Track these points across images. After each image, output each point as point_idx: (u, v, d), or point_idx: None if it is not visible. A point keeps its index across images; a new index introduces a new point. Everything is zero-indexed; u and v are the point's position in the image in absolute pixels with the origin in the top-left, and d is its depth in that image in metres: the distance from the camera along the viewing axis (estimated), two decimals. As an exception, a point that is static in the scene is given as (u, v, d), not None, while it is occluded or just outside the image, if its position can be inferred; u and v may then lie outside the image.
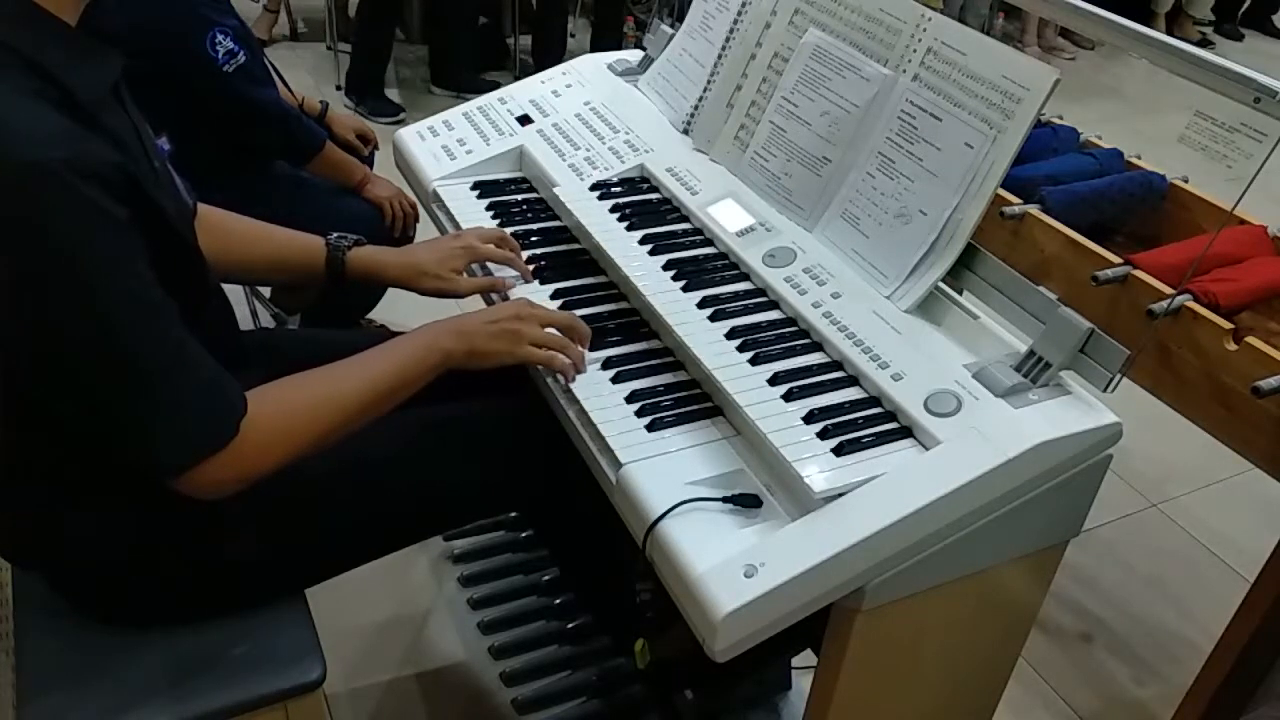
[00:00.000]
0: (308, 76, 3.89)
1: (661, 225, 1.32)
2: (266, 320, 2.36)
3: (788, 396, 1.05)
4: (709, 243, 1.30)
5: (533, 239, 1.38)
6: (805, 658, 1.35)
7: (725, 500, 0.97)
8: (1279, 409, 1.29)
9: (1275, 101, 1.05)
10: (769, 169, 1.33)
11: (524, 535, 1.92)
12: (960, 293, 1.17)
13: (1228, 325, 1.35)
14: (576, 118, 1.55)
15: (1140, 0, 5.26)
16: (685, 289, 1.20)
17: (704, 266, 1.25)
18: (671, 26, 1.61)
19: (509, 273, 1.30)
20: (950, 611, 1.08)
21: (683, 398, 1.10)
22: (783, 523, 0.95)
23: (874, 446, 0.99)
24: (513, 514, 1.90)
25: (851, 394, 1.07)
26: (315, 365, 1.02)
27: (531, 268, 1.31)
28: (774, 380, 1.07)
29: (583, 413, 1.08)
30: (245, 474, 0.94)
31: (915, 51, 1.19)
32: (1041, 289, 1.09)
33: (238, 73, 1.79)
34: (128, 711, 1.01)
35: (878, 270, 1.18)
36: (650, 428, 1.05)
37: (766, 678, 1.61)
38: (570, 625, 1.74)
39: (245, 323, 2.28)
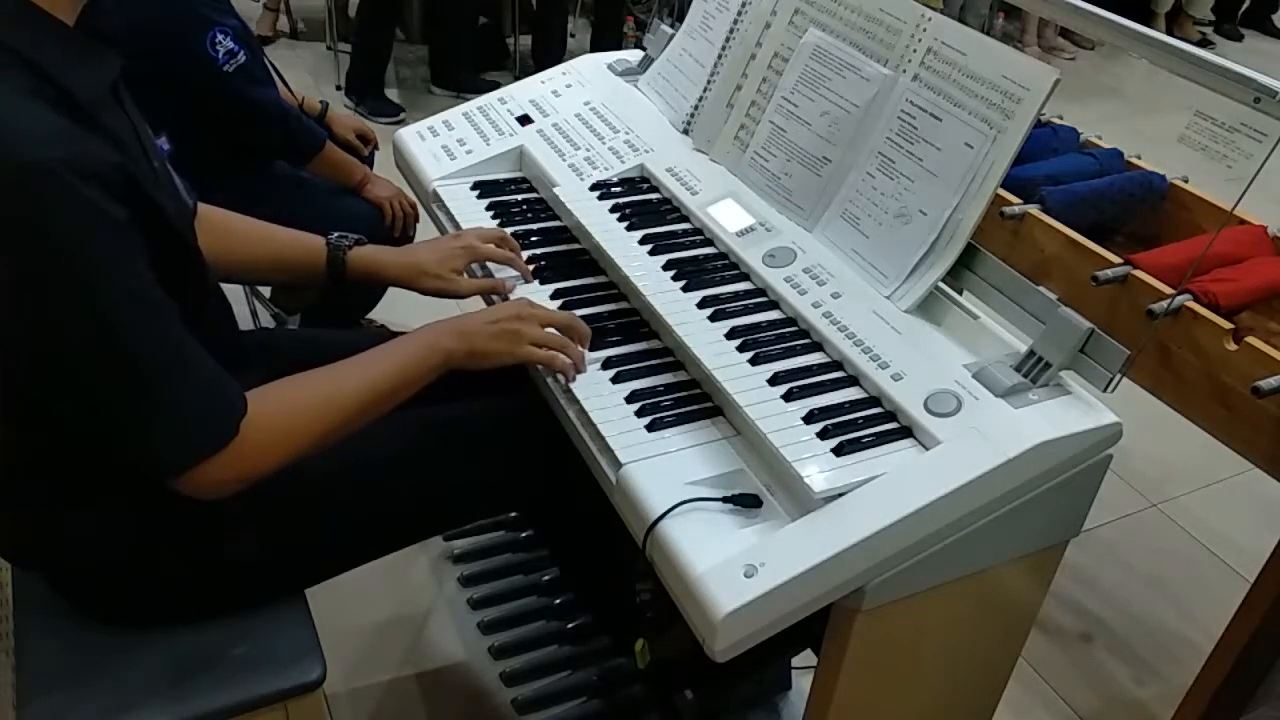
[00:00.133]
0: (308, 76, 3.89)
1: (661, 225, 1.32)
2: (266, 320, 2.36)
3: (788, 396, 1.05)
4: (709, 243, 1.30)
5: (533, 239, 1.38)
6: (805, 658, 1.35)
7: (725, 500, 0.97)
8: (1279, 409, 1.29)
9: (1275, 101, 1.05)
10: (769, 169, 1.33)
11: (524, 535, 1.92)
12: (960, 293, 1.17)
13: (1228, 325, 1.35)
14: (576, 118, 1.55)
15: (1140, 0, 5.26)
16: (685, 289, 1.20)
17: (704, 266, 1.25)
18: (671, 26, 1.61)
19: (509, 273, 1.30)
20: (950, 611, 1.08)
21: (683, 398, 1.10)
22: (783, 523, 0.95)
23: (874, 446, 0.99)
24: (513, 514, 1.90)
25: (851, 394, 1.07)
26: (315, 365, 1.02)
27: (531, 268, 1.31)
28: (774, 380, 1.07)
29: (583, 413, 1.08)
30: (245, 474, 0.94)
31: (915, 51, 1.19)
32: (1041, 289, 1.09)
33: (238, 72, 1.79)
34: (128, 711, 1.01)
35: (878, 270, 1.18)
36: (650, 428, 1.05)
37: (766, 678, 1.61)
38: (570, 625, 1.74)
39: (245, 323, 2.28)
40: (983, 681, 1.26)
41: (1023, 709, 1.76)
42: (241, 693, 1.05)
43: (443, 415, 1.20)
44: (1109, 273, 1.45)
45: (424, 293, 1.27)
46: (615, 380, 1.12)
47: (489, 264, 1.31)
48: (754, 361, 1.09)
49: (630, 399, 1.09)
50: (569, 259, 1.35)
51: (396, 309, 2.23)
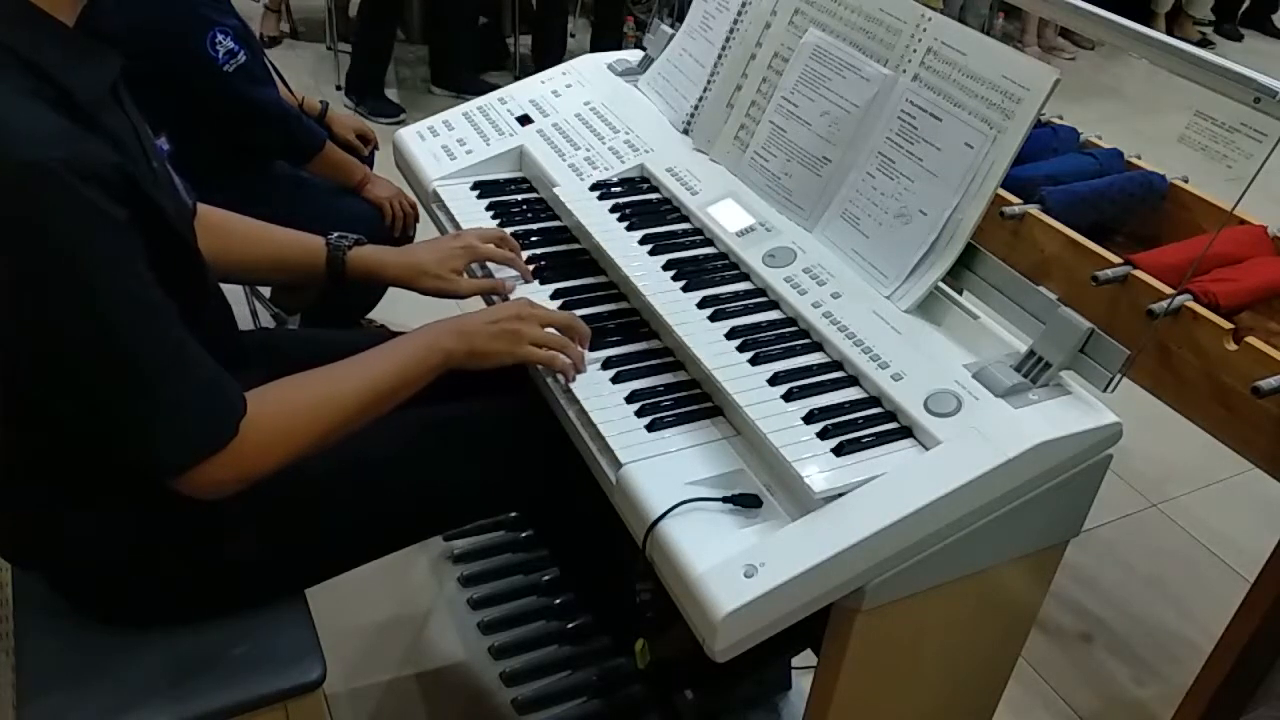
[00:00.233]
0: (308, 76, 3.89)
1: (661, 225, 1.32)
2: (266, 320, 2.36)
3: (788, 396, 1.05)
4: (709, 243, 1.30)
5: (533, 239, 1.38)
6: (805, 658, 1.35)
7: (725, 500, 0.97)
8: (1279, 409, 1.29)
9: (1275, 101, 1.05)
10: (769, 169, 1.33)
11: (524, 535, 1.92)
12: (960, 293, 1.17)
13: (1228, 325, 1.35)
14: (576, 118, 1.55)
15: (1140, 0, 5.26)
16: (685, 289, 1.20)
17: (704, 266, 1.25)
18: (671, 26, 1.61)
19: (509, 273, 1.30)
20: (950, 611, 1.08)
21: (683, 398, 1.10)
22: (783, 523, 0.95)
23: (874, 446, 0.99)
24: (513, 514, 1.90)
25: (851, 394, 1.07)
26: (315, 365, 1.02)
27: (531, 268, 1.31)
28: (774, 380, 1.07)
29: (583, 413, 1.08)
30: (245, 474, 0.94)
31: (915, 51, 1.19)
32: (1041, 289, 1.09)
33: (238, 72, 1.79)
34: (128, 711, 1.01)
35: (878, 270, 1.18)
36: (650, 428, 1.05)
37: (766, 678, 1.61)
38: (570, 625, 1.74)
39: (245, 323, 2.28)
40: (983, 681, 1.26)
41: (1023, 709, 1.76)
42: (241, 693, 1.05)
43: (443, 415, 1.20)
44: (1109, 273, 1.45)
45: (424, 293, 1.27)
46: (615, 380, 1.12)
47: (489, 264, 1.31)
48: (754, 361, 1.09)
49: (630, 399, 1.09)
50: (569, 259, 1.35)
51: (396, 309, 2.23)
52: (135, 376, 0.86)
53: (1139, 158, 1.82)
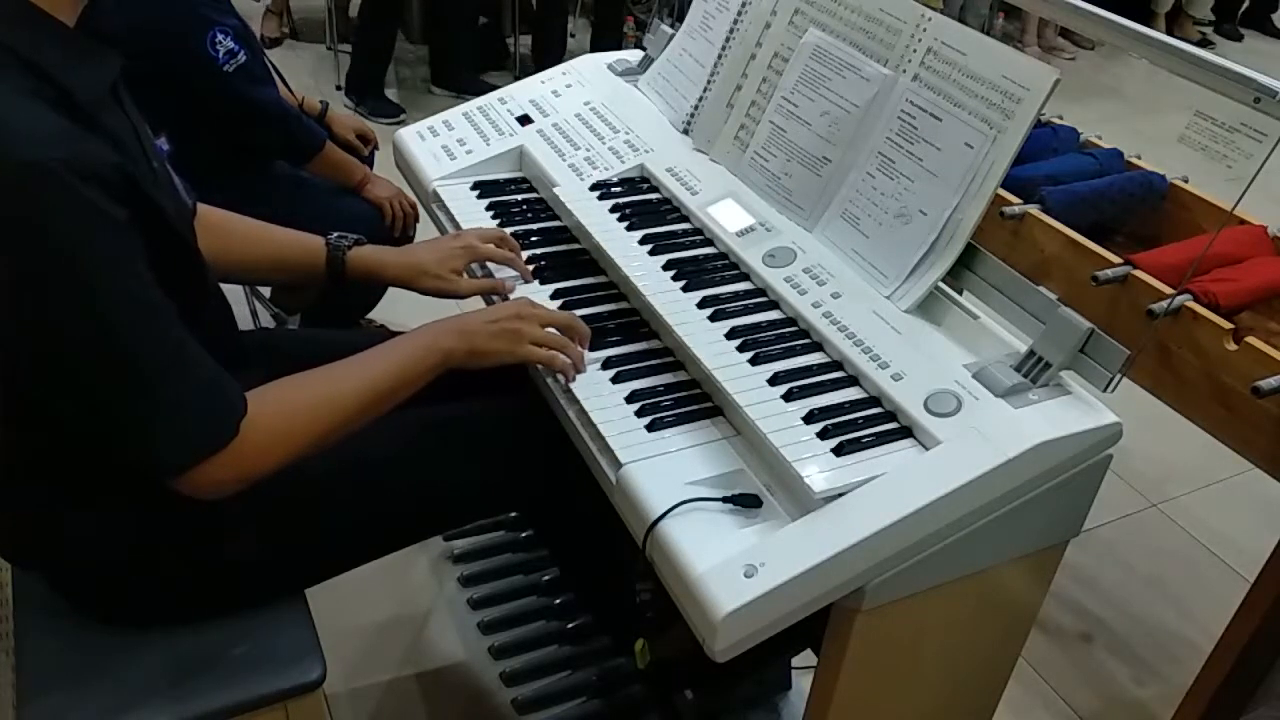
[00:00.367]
0: (308, 76, 3.89)
1: (661, 225, 1.32)
2: (266, 320, 2.36)
3: (788, 396, 1.05)
4: (709, 243, 1.30)
5: (533, 239, 1.38)
6: (805, 658, 1.35)
7: (725, 500, 0.97)
8: (1279, 409, 1.29)
9: (1275, 101, 1.05)
10: (769, 169, 1.33)
11: (524, 535, 1.92)
12: (960, 293, 1.17)
13: (1228, 325, 1.35)
14: (576, 118, 1.55)
15: (1140, 0, 5.26)
16: (685, 289, 1.20)
17: (704, 266, 1.25)
18: (671, 26, 1.61)
19: (509, 273, 1.30)
20: (950, 611, 1.08)
21: (683, 398, 1.10)
22: (783, 523, 0.95)
23: (874, 446, 0.99)
24: (513, 514, 1.90)
25: (851, 394, 1.07)
26: (315, 365, 1.02)
27: (531, 268, 1.31)
28: (774, 380, 1.07)
29: (583, 413, 1.08)
30: (245, 474, 0.94)
31: (915, 51, 1.19)
32: (1041, 289, 1.09)
33: (238, 72, 1.79)
34: (128, 711, 1.01)
35: (878, 270, 1.18)
36: (650, 428, 1.05)
37: (766, 678, 1.61)
38: (570, 625, 1.74)
39: (245, 323, 2.28)
40: (983, 681, 1.26)
41: (1023, 709, 1.76)
42: (241, 693, 1.05)
43: (443, 415, 1.20)
44: (1109, 273, 1.45)
45: (424, 293, 1.27)
46: (615, 380, 1.12)
47: (489, 264, 1.31)
48: (754, 361, 1.09)
49: (630, 399, 1.09)
50: (569, 259, 1.35)
51: (396, 309, 2.23)
52: (135, 376, 0.86)
53: (1139, 158, 1.82)
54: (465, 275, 1.28)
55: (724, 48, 1.46)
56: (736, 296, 1.20)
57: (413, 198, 1.93)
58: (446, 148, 1.55)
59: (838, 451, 0.98)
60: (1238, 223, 1.63)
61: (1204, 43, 5.55)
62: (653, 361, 1.16)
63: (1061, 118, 1.95)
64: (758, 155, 1.35)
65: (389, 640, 1.75)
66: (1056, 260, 1.56)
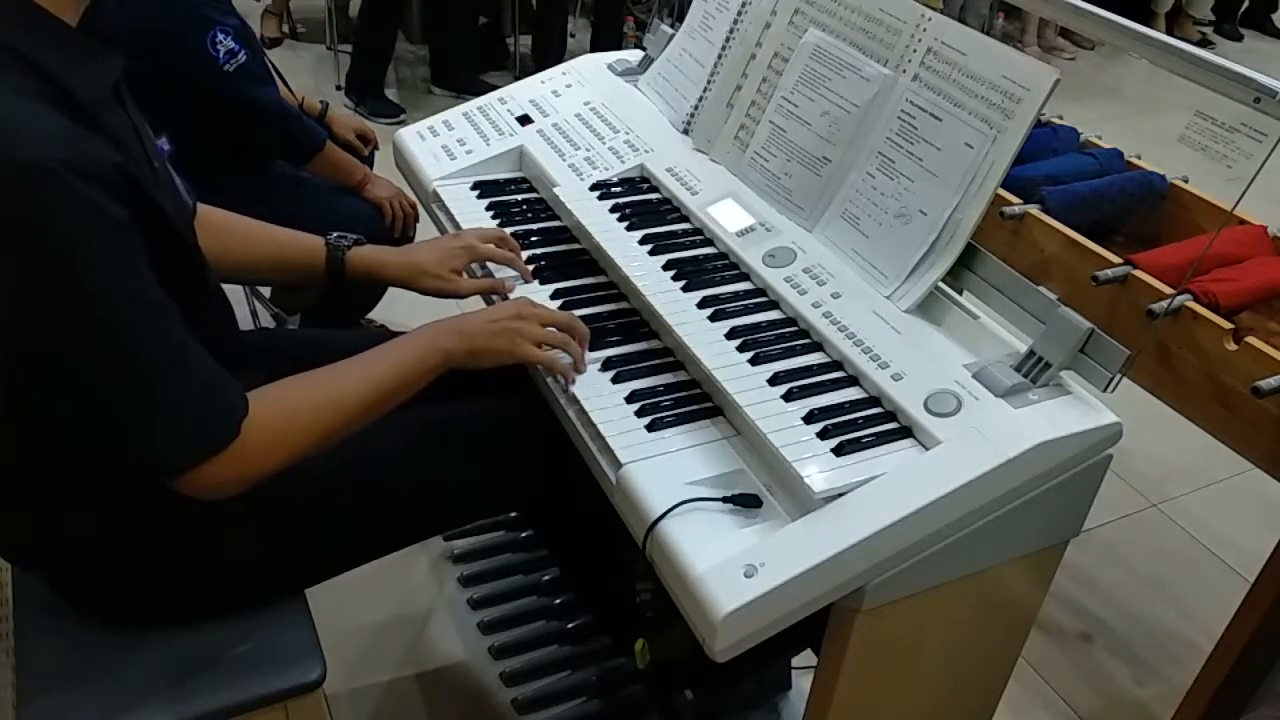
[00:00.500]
0: (308, 76, 3.89)
1: (661, 225, 1.33)
2: (266, 320, 2.36)
3: (788, 396, 1.05)
4: (709, 243, 1.30)
5: (533, 239, 1.38)
6: (805, 658, 1.35)
7: (725, 500, 0.97)
8: (1279, 409, 1.29)
9: (1275, 101, 1.05)
10: (769, 169, 1.33)
11: (524, 535, 1.92)
12: (960, 293, 1.17)
13: (1228, 325, 1.35)
14: (576, 118, 1.55)
15: (1140, 0, 5.26)
16: (685, 289, 1.20)
17: (704, 266, 1.25)
18: (671, 26, 1.61)
19: (509, 273, 1.30)
20: (950, 611, 1.08)
21: (683, 398, 1.10)
22: (783, 523, 0.95)
23: (874, 446, 0.99)
24: (513, 514, 1.90)
25: (851, 394, 1.07)
26: (315, 365, 1.02)
27: (531, 268, 1.31)
28: (774, 380, 1.07)
29: (583, 413, 1.08)
30: (246, 475, 0.94)
31: (915, 51, 1.19)
32: (1041, 289, 1.09)
33: (238, 72, 1.79)
34: (128, 711, 1.01)
35: (878, 270, 1.18)
36: (650, 428, 1.05)
37: (766, 678, 1.61)
38: (570, 625, 1.74)
39: (245, 323, 2.28)
40: (983, 681, 1.26)
41: (1023, 709, 1.76)
42: (241, 693, 1.05)
43: (443, 415, 1.20)
44: (1109, 273, 1.45)
45: (424, 292, 1.27)
46: (615, 380, 1.12)
47: (489, 264, 1.31)
48: (754, 361, 1.09)
49: (630, 399, 1.09)
50: (569, 259, 1.35)
51: (396, 309, 2.23)
52: (136, 376, 0.86)
53: (1139, 158, 1.82)
54: (465, 275, 1.28)
55: (724, 48, 1.46)
56: (736, 296, 1.20)
57: (413, 198, 1.93)
58: (446, 148, 1.55)
59: (838, 451, 0.98)
60: (1238, 223, 1.63)
61: (1204, 43, 5.55)
62: (653, 361, 1.16)
63: (1061, 118, 1.95)
64: (758, 155, 1.35)
65: (389, 640, 1.75)
66: (1056, 260, 1.56)
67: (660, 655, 1.31)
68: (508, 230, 1.36)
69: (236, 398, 0.93)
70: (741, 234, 1.27)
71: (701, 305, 1.18)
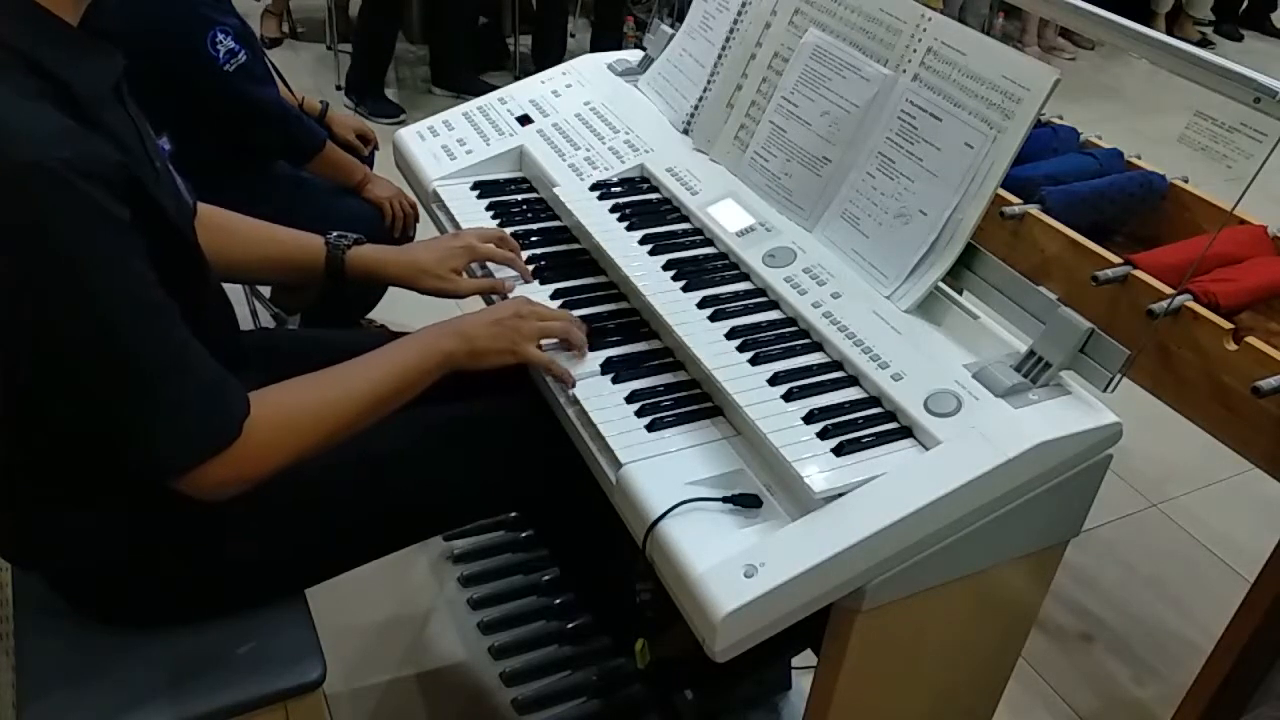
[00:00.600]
0: (308, 76, 3.89)
1: (661, 225, 1.33)
2: (266, 320, 2.36)
3: (788, 396, 1.05)
4: (709, 243, 1.30)
5: (533, 239, 1.38)
6: (805, 658, 1.35)
7: (725, 500, 0.97)
8: (1279, 409, 1.29)
9: (1275, 101, 1.05)
10: (769, 169, 1.33)
11: (524, 535, 1.92)
12: (960, 293, 1.17)
13: (1228, 325, 1.35)
14: (576, 118, 1.55)
15: (1140, 0, 5.26)
16: (685, 289, 1.20)
17: (704, 266, 1.25)
18: (671, 26, 1.61)
19: (509, 273, 1.30)
20: (950, 611, 1.08)
21: (683, 398, 1.10)
22: (783, 523, 0.95)
23: (874, 446, 0.99)
24: (513, 514, 1.90)
25: (851, 394, 1.07)
26: (315, 366, 1.02)
27: (531, 268, 1.31)
28: (774, 380, 1.07)
29: (583, 413, 1.08)
30: (248, 475, 0.94)
31: (915, 51, 1.19)
32: (1041, 289, 1.09)
33: (238, 72, 1.79)
34: (128, 711, 1.01)
35: (878, 270, 1.18)
36: (650, 428, 1.05)
37: (766, 678, 1.61)
38: (570, 625, 1.74)
39: (245, 323, 2.28)
40: (983, 681, 1.26)
41: (1023, 709, 1.76)
42: (241, 693, 1.05)
43: (443, 415, 1.20)
44: (1109, 273, 1.45)
45: (423, 292, 1.27)
46: (615, 380, 1.12)
47: (488, 264, 1.31)
48: (754, 361, 1.09)
49: (630, 399, 1.09)
50: (569, 259, 1.35)
51: (396, 309, 2.23)
52: (137, 376, 0.86)
53: (1139, 158, 1.82)
54: (465, 275, 1.28)
55: (724, 48, 1.46)
56: (736, 296, 1.20)
57: (413, 198, 1.93)
58: (446, 148, 1.55)
59: (838, 451, 0.98)
60: (1238, 223, 1.63)
61: (1204, 43, 5.55)
62: (653, 361, 1.16)
63: (1061, 118, 1.95)
64: (758, 155, 1.35)
65: (389, 640, 1.75)
66: (1056, 260, 1.56)
67: (660, 655, 1.31)
68: (508, 230, 1.36)
69: (238, 398, 0.93)
70: (741, 234, 1.27)
71: (701, 305, 1.18)
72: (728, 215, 1.30)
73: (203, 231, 1.10)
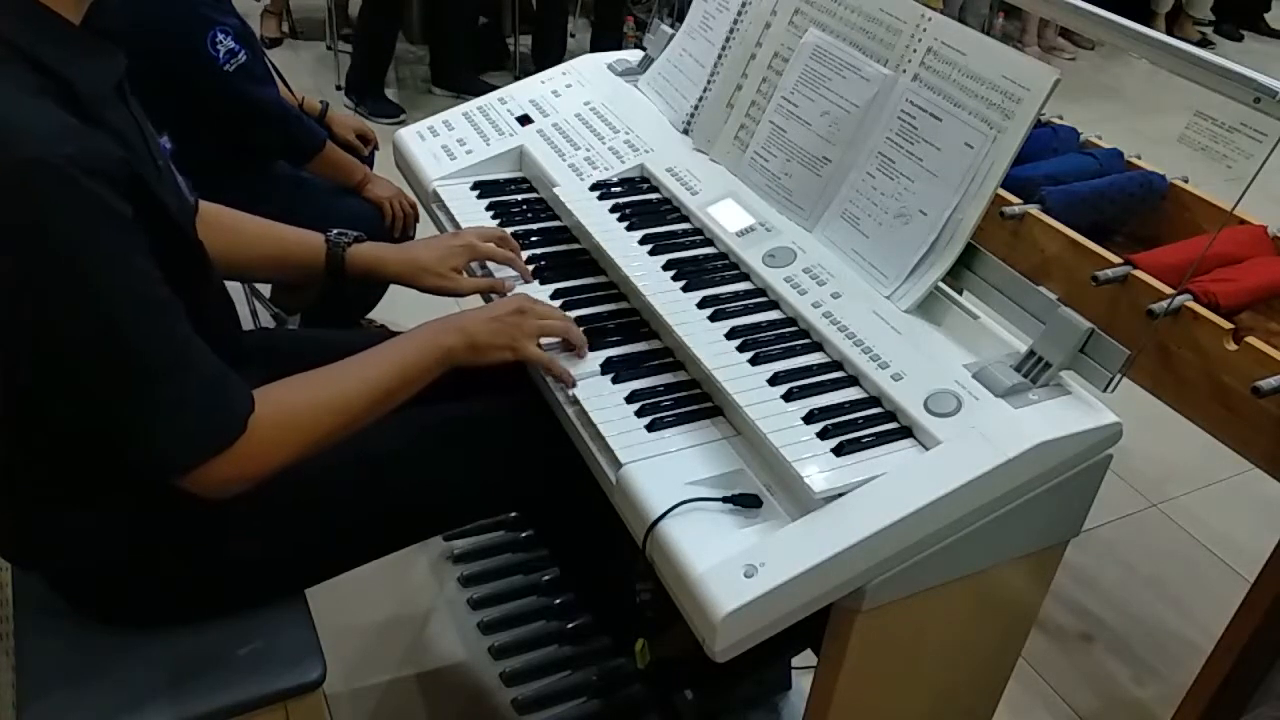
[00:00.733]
0: (308, 76, 3.89)
1: (661, 225, 1.33)
2: (266, 320, 2.36)
3: (788, 396, 1.05)
4: (709, 243, 1.30)
5: (533, 239, 1.38)
6: (805, 658, 1.35)
7: (725, 500, 0.97)
8: (1279, 409, 1.29)
9: (1275, 101, 1.05)
10: (769, 169, 1.33)
11: (524, 535, 1.92)
12: (960, 293, 1.17)
13: (1228, 325, 1.35)
14: (576, 118, 1.55)
15: (1140, 0, 5.26)
16: (685, 289, 1.20)
17: (704, 266, 1.25)
18: (671, 26, 1.61)
19: (509, 273, 1.30)
20: (950, 611, 1.08)
21: (683, 398, 1.10)
22: (783, 523, 0.95)
23: (874, 446, 0.99)
24: (513, 514, 1.90)
25: (851, 394, 1.07)
26: (315, 365, 1.02)
27: (531, 268, 1.31)
28: (774, 380, 1.07)
29: (583, 413, 1.08)
30: (250, 473, 0.93)
31: (915, 51, 1.19)
32: (1041, 289, 1.09)
33: (238, 72, 1.79)
34: (128, 711, 1.01)
35: (878, 270, 1.18)
36: (650, 428, 1.05)
37: (766, 678, 1.61)
38: (570, 625, 1.74)
39: (245, 323, 2.27)
40: (983, 681, 1.26)
41: (1023, 709, 1.76)
42: (241, 693, 1.05)
43: (443, 415, 1.20)
44: (1109, 273, 1.45)
45: (423, 290, 1.27)
46: (615, 380, 1.12)
47: (488, 263, 1.31)
48: (754, 361, 1.09)
49: (630, 399, 1.09)
50: (569, 259, 1.35)
51: (396, 309, 2.23)
52: (140, 374, 0.86)
53: (1139, 158, 1.82)
54: (465, 274, 1.28)
55: (724, 48, 1.46)
56: (736, 296, 1.20)
57: (413, 198, 1.93)
58: (446, 148, 1.55)
59: (838, 451, 0.98)
60: (1238, 223, 1.63)
61: (1204, 43, 5.55)
62: (653, 361, 1.16)
63: (1061, 118, 1.95)
64: (758, 155, 1.35)
65: (389, 640, 1.75)
66: (1056, 260, 1.56)
67: (660, 655, 1.31)
68: (508, 230, 1.36)
69: (241, 395, 0.93)
70: (741, 234, 1.27)
71: (701, 305, 1.18)
72: (728, 215, 1.30)
73: (206, 229, 1.10)
